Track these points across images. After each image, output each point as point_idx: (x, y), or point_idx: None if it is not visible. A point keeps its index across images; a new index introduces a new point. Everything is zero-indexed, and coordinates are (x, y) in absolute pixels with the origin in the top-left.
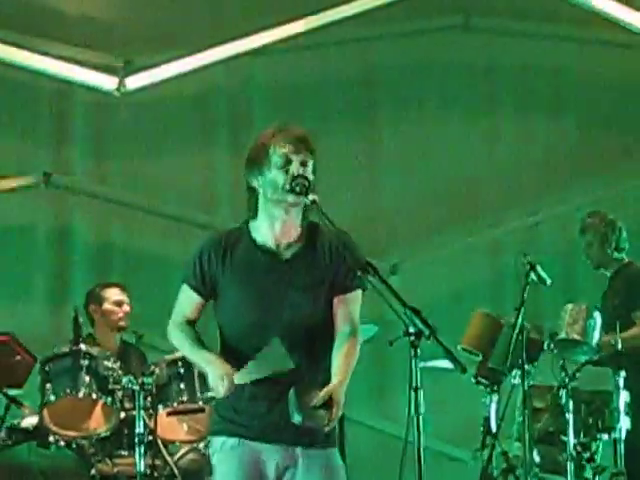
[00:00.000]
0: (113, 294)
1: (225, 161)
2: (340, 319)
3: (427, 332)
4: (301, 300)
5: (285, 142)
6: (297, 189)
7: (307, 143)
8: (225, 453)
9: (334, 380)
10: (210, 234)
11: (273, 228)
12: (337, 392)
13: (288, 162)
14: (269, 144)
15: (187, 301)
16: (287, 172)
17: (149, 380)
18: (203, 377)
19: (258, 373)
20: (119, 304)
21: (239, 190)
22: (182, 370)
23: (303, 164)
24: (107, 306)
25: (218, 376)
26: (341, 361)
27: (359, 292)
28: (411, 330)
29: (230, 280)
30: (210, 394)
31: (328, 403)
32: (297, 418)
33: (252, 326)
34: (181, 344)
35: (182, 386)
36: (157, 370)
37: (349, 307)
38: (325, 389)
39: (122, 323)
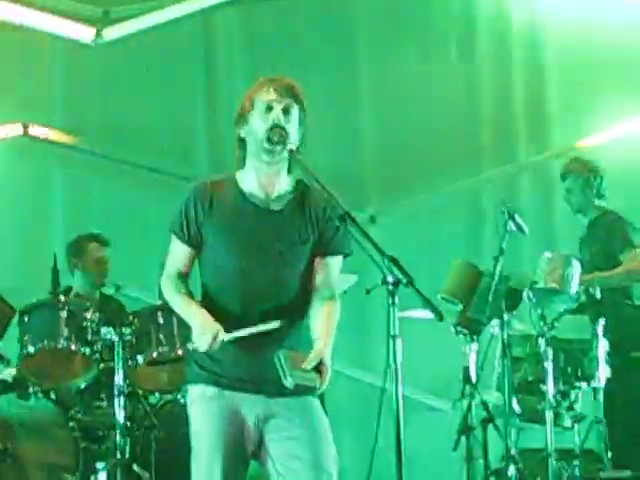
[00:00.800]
0: (94, 250)
1: (203, 113)
2: (319, 281)
3: (405, 280)
4: (287, 253)
5: (269, 90)
6: (274, 139)
7: (292, 91)
8: (205, 402)
9: (319, 342)
10: (196, 183)
11: (259, 179)
12: (325, 355)
13: (269, 109)
14: (255, 93)
15: (178, 252)
16: (267, 120)
17: (128, 330)
18: (183, 327)
19: (245, 332)
20: (99, 262)
21: (217, 141)
22: (161, 320)
23: (285, 111)
24: (87, 263)
25: (202, 330)
26: (324, 323)
27: (341, 258)
28: (389, 278)
29: (217, 229)
30: (191, 345)
31: (318, 366)
32: (289, 381)
33: (236, 275)
34: (171, 297)
35: (161, 336)
36: (136, 320)
37: (330, 270)
38: (313, 352)
39: (100, 279)
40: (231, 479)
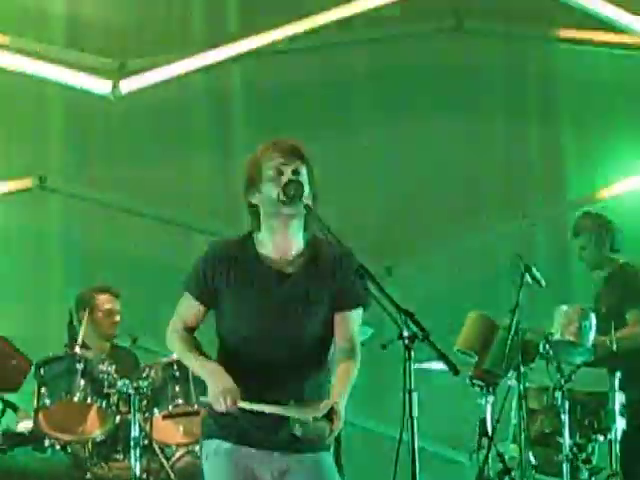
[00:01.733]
0: (104, 302)
1: (212, 166)
2: (340, 336)
3: (421, 335)
4: (302, 315)
5: (276, 154)
6: (290, 194)
7: (298, 153)
8: (219, 457)
9: (332, 392)
10: (214, 243)
11: (275, 241)
12: (337, 404)
13: (280, 174)
14: (261, 159)
15: (188, 309)
16: (279, 183)
17: (144, 383)
18: (198, 380)
19: (265, 409)
20: (110, 314)
21: (233, 195)
22: (177, 373)
23: (295, 173)
24: (98, 315)
25: (220, 392)
26: (341, 375)
27: (360, 310)
28: (405, 333)
29: (232, 291)
30: (204, 399)
31: (329, 415)
32: (298, 431)
33: (252, 339)
34: (180, 352)
35: (177, 389)
36: (152, 373)
37: (349, 325)
38: (325, 401)
39: (111, 332)
40: None
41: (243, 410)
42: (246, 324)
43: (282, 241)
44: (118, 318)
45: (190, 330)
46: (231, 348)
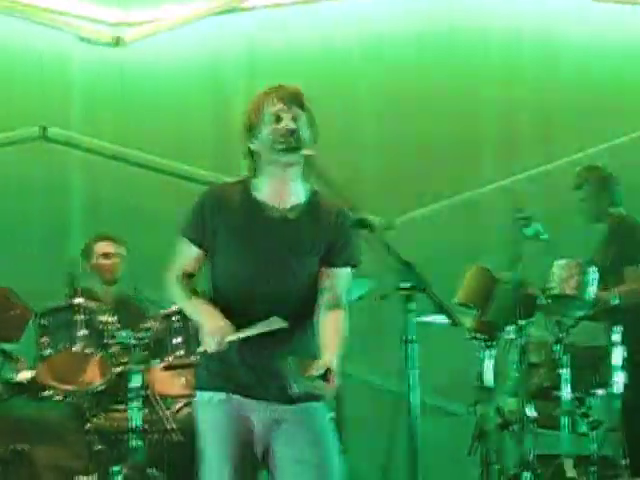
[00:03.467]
0: (102, 247)
1: (221, 117)
2: (327, 291)
3: (421, 286)
4: (298, 263)
5: (275, 100)
6: (289, 144)
7: (298, 99)
8: (213, 407)
9: (326, 350)
10: (210, 187)
11: (273, 187)
12: (332, 363)
13: (278, 120)
14: (261, 105)
15: (187, 254)
16: (278, 130)
17: (144, 334)
18: (196, 331)
19: (251, 332)
20: (107, 256)
21: (235, 146)
22: (178, 324)
23: (294, 120)
24: (97, 260)
25: (211, 330)
26: (332, 332)
27: (349, 270)
28: (405, 284)
29: (228, 235)
30: (200, 349)
31: (325, 374)
32: (296, 388)
33: (248, 281)
34: (179, 297)
35: (178, 340)
36: (153, 324)
37: (338, 281)
38: (322, 360)
39: (110, 275)
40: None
41: (235, 352)
42: (240, 269)
43: (280, 187)
44: (117, 260)
45: (189, 276)
46: (225, 294)
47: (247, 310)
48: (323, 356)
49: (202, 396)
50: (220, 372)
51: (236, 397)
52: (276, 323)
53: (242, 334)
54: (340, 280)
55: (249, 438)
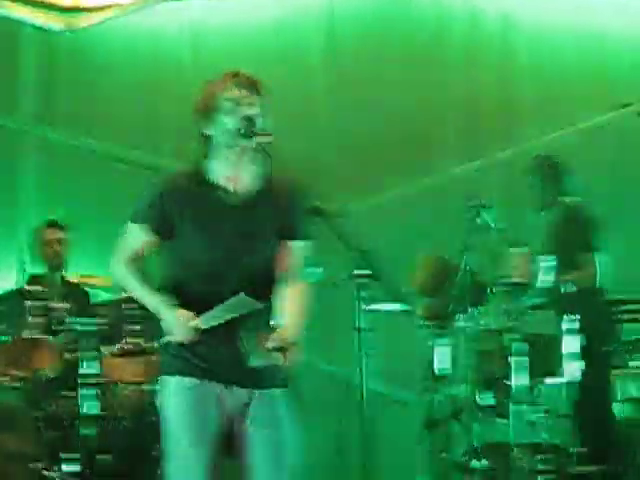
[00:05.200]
0: (47, 234)
1: (171, 102)
2: (286, 265)
3: (374, 274)
4: (254, 245)
5: (233, 87)
6: (246, 131)
7: (256, 87)
8: (180, 392)
9: (285, 322)
10: (165, 175)
11: (228, 171)
12: (289, 335)
13: (237, 105)
14: (219, 90)
15: (136, 239)
16: (237, 116)
17: (94, 321)
18: (148, 318)
19: (223, 317)
20: (50, 243)
21: (184, 132)
22: (127, 311)
23: (252, 106)
24: (43, 247)
25: (177, 321)
26: (291, 305)
27: (305, 245)
28: (357, 272)
29: (184, 220)
30: (165, 339)
31: (283, 345)
32: (253, 361)
33: (204, 267)
34: (130, 284)
35: (128, 327)
36: (102, 311)
37: (295, 255)
38: (277, 331)
39: (52, 261)
40: (210, 469)
41: (203, 334)
42: (198, 254)
43: (235, 172)
44: (57, 247)
45: (138, 261)
46: (181, 282)
47: (205, 295)
48: (281, 328)
49: (167, 381)
50: (185, 357)
51: (203, 382)
52: (245, 304)
53: (212, 321)
54: (296, 253)
55: (216, 422)
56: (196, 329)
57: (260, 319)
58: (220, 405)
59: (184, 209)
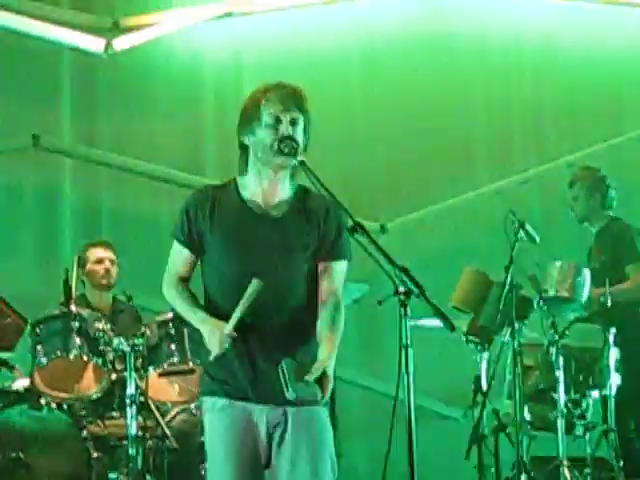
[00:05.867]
0: (95, 253)
1: (213, 122)
2: (324, 289)
3: (416, 291)
4: (287, 260)
5: (275, 100)
6: (285, 150)
7: (298, 101)
8: (216, 413)
9: (322, 353)
10: (197, 189)
11: (261, 186)
12: (328, 366)
13: (277, 121)
14: (260, 102)
15: (178, 257)
16: (276, 132)
17: (140, 341)
18: (194, 338)
19: (239, 310)
20: (100, 262)
21: (227, 151)
22: (173, 331)
23: (293, 123)
24: (89, 266)
25: (212, 331)
26: (328, 333)
27: (344, 262)
28: (400, 289)
29: (216, 236)
30: (209, 358)
31: (320, 378)
32: (291, 394)
33: (238, 281)
34: (176, 302)
35: (173, 347)
36: (148, 331)
37: (333, 276)
38: (316, 364)
39: (104, 281)
40: None
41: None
42: (229, 269)
43: (268, 186)
44: (109, 265)
45: (184, 280)
46: (217, 295)
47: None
48: (318, 359)
49: (206, 402)
50: (221, 377)
51: (238, 402)
52: (254, 287)
53: (234, 319)
54: (336, 274)
55: (253, 442)
56: (227, 336)
57: (298, 342)
58: (253, 425)
59: (214, 223)
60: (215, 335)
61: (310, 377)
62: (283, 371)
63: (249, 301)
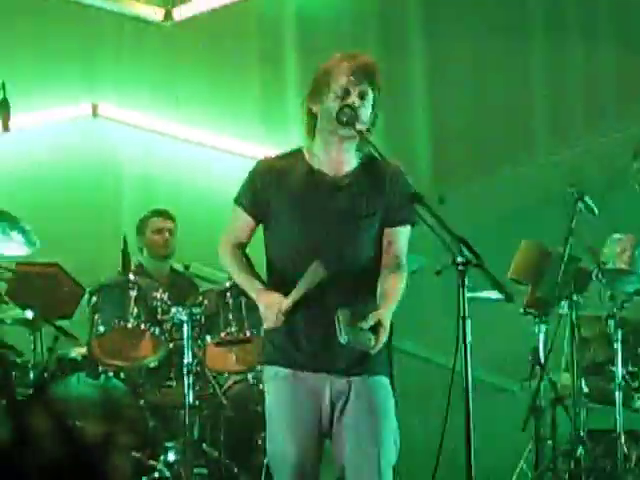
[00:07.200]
0: (154, 223)
1: (266, 91)
2: (387, 252)
3: (474, 261)
4: (355, 226)
5: (347, 72)
6: (342, 119)
7: (370, 74)
8: (278, 383)
9: (380, 306)
10: (263, 157)
11: (329, 155)
12: (384, 317)
13: (346, 93)
14: (332, 72)
15: (239, 223)
16: (343, 104)
17: (197, 310)
18: (251, 307)
19: (299, 291)
20: (159, 231)
21: (280, 121)
22: (230, 300)
23: (361, 96)
24: (148, 235)
25: (268, 305)
26: (388, 289)
27: (408, 227)
28: (458, 259)
29: (283, 203)
30: (264, 326)
31: (375, 327)
32: (344, 338)
33: (303, 250)
34: (231, 268)
35: (230, 316)
36: (205, 300)
37: (398, 241)
38: (373, 313)
39: (163, 251)
40: (306, 458)
41: (299, 325)
42: (295, 236)
43: (335, 155)
44: (168, 235)
45: (241, 246)
46: (279, 262)
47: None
48: (377, 310)
49: (267, 371)
50: (284, 346)
51: (300, 372)
52: (316, 273)
53: (292, 298)
54: (399, 239)
55: (313, 411)
56: (283, 312)
57: (358, 301)
58: (316, 394)
59: (281, 191)
60: (271, 310)
61: (365, 325)
62: (339, 317)
63: (309, 284)
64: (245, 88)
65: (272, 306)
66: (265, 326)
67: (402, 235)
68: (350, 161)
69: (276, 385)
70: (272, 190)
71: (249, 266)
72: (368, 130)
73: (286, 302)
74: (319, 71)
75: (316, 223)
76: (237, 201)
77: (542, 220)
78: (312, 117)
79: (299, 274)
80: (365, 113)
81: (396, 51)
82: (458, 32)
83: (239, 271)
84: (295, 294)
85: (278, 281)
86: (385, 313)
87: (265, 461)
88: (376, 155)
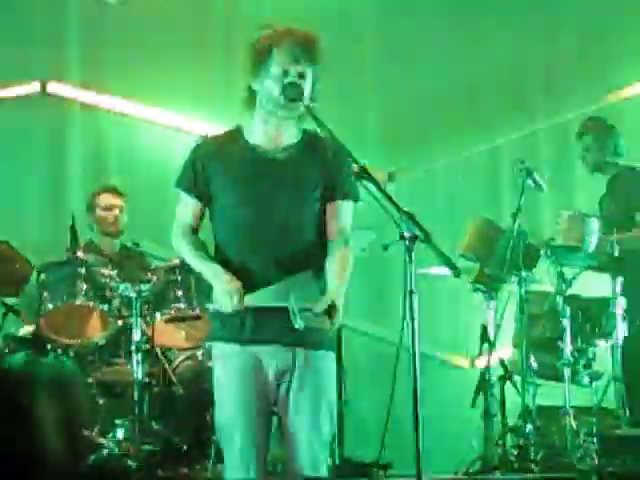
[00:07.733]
0: (104, 199)
1: (222, 66)
2: (332, 228)
3: (422, 236)
4: (295, 201)
5: (285, 51)
6: (289, 96)
7: (309, 52)
8: (226, 358)
9: (331, 285)
10: (201, 137)
11: (267, 132)
12: (336, 297)
13: (285, 74)
14: (271, 49)
15: (186, 208)
16: (282, 84)
17: (146, 287)
18: (199, 284)
19: (265, 302)
20: (109, 208)
21: (236, 97)
22: (179, 277)
23: (301, 76)
24: (98, 212)
25: (227, 292)
26: (336, 268)
27: (351, 202)
28: (406, 234)
29: (223, 181)
30: (212, 306)
31: (328, 310)
32: (299, 324)
33: (246, 226)
34: (186, 254)
35: (179, 293)
36: (154, 277)
37: (341, 215)
38: (324, 296)
39: (112, 228)
40: (254, 432)
41: (247, 308)
42: (238, 213)
43: (275, 132)
44: (118, 212)
45: (193, 230)
46: (226, 243)
47: (250, 255)
48: (326, 292)
49: (215, 347)
50: (231, 322)
51: (247, 347)
52: (291, 306)
53: (257, 302)
54: (344, 214)
55: (262, 386)
56: (241, 304)
57: (307, 281)
58: (262, 367)
59: (221, 170)
60: (229, 295)
61: (317, 308)
62: (290, 304)
63: (277, 305)
64: (206, 70)
65: (233, 294)
66: (222, 310)
67: (345, 209)
68: (290, 136)
69: (223, 361)
70: (211, 169)
71: (202, 249)
72: (307, 107)
73: (248, 299)
74: (257, 45)
75: (254, 200)
76: (179, 184)
77: (493, 197)
78: (251, 93)
79: (242, 252)
80: (307, 88)
81: (347, 30)
82: (411, 15)
83: (192, 255)
84: (261, 303)
85: (224, 258)
86: (336, 292)
87: (215, 437)
88: (322, 130)
